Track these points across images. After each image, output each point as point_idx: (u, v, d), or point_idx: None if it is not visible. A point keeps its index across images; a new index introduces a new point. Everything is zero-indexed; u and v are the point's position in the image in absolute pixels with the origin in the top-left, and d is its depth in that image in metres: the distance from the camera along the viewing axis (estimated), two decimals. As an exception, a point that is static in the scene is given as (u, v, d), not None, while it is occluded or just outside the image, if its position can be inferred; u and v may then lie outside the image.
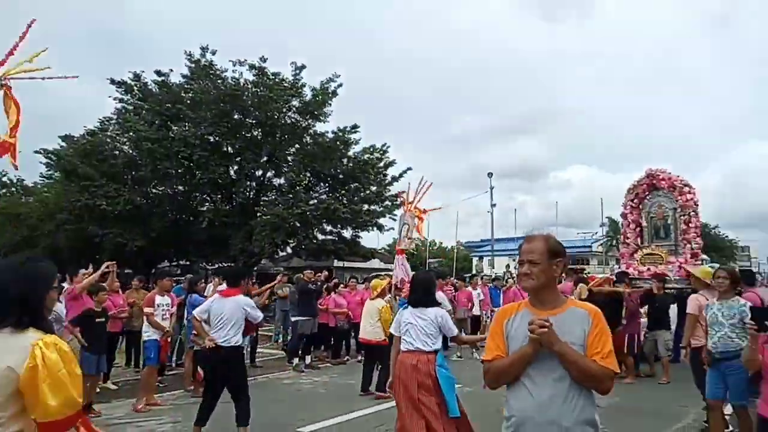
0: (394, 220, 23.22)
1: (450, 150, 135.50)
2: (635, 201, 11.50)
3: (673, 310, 9.37)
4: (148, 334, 7.45)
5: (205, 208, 23.12)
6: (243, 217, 21.15)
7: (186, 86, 21.45)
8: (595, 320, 2.24)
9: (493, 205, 31.87)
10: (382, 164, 22.63)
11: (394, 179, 22.64)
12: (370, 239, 26.23)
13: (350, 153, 22.25)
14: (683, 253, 10.55)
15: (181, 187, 22.54)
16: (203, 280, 10.12)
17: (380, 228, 23.05)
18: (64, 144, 22.93)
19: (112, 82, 21.26)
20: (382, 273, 19.68)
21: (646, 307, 9.40)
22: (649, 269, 10.55)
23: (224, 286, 6.35)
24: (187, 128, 20.62)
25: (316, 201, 21.45)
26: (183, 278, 11.05)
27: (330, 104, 21.91)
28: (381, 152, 22.59)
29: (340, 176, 22.43)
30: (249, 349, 10.72)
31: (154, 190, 22.89)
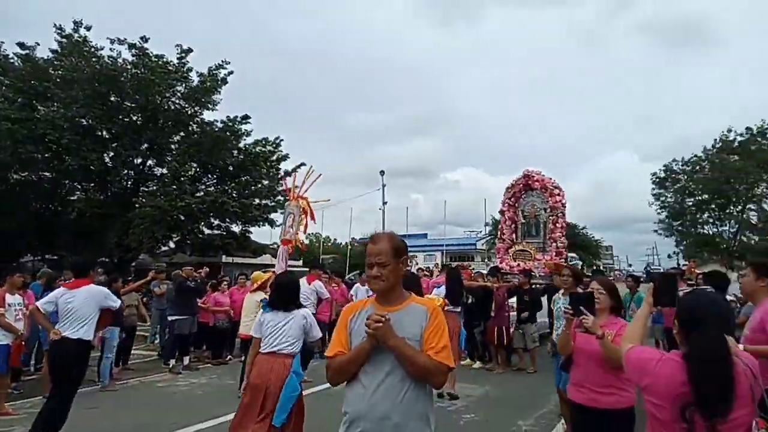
0: (286, 215, 22.75)
1: (345, 147, 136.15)
2: (512, 199, 12.13)
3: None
4: None
5: (75, 198, 21.13)
6: (119, 208, 19.55)
7: (55, 62, 19.39)
8: (432, 316, 2.27)
9: (384, 203, 32.36)
10: (274, 158, 22.04)
11: (287, 174, 22.08)
12: (261, 234, 25.54)
13: (241, 145, 21.40)
14: (550, 251, 11.29)
15: (47, 174, 20.38)
16: (63, 276, 9.15)
17: (271, 223, 22.41)
18: None
19: (-37, 50, 18.70)
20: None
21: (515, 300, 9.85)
22: (519, 265, 11.15)
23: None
24: (55, 109, 18.65)
25: (202, 193, 20.39)
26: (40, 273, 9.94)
27: (219, 92, 20.92)
28: (274, 145, 21.99)
29: (230, 168, 21.49)
30: (118, 352, 9.93)
31: (15, 176, 20.47)
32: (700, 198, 28.20)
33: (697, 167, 28.09)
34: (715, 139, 28.24)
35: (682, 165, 28.89)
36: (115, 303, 5.46)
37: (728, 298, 4.94)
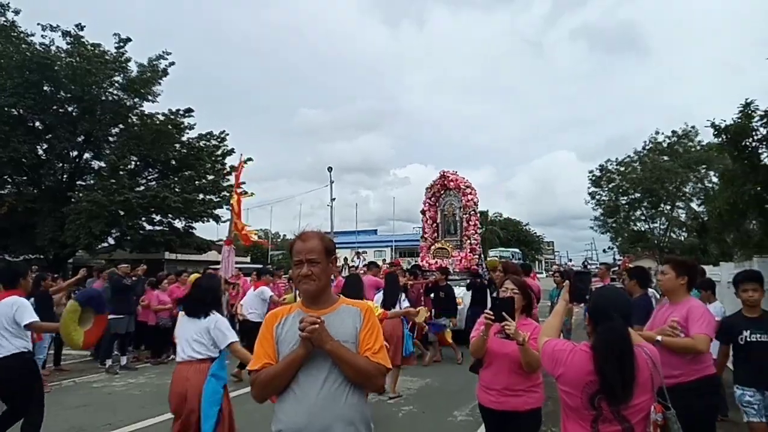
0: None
1: (295, 143, 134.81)
2: (432, 199, 12.42)
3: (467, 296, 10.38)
4: None
5: (5, 192, 20.03)
6: (53, 203, 18.71)
7: (-19, 48, 18.28)
8: (366, 316, 2.17)
9: (333, 199, 32.32)
10: (219, 152, 21.62)
11: (233, 169, 21.73)
12: (207, 230, 24.93)
13: (184, 138, 20.88)
14: (465, 248, 11.65)
15: (-28, 166, 19.25)
16: None
17: (217, 219, 22.01)
18: None
19: None
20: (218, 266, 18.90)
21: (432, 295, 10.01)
22: (437, 262, 11.50)
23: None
24: (-19, 97, 17.62)
25: (143, 188, 19.78)
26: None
27: (160, 83, 20.33)
28: (219, 140, 21.56)
29: (172, 162, 20.95)
30: (53, 351, 9.58)
31: (-64, 168, 19.26)
32: (633, 197, 29.67)
33: (630, 167, 29.54)
34: (645, 141, 29.83)
35: (616, 165, 30.31)
36: (24, 320, 4.65)
37: (650, 292, 5.16)
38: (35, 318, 4.69)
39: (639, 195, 29.06)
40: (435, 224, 12.39)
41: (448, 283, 10.12)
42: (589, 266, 57.82)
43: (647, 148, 29.52)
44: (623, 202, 30.12)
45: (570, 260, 74.61)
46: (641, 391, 2.14)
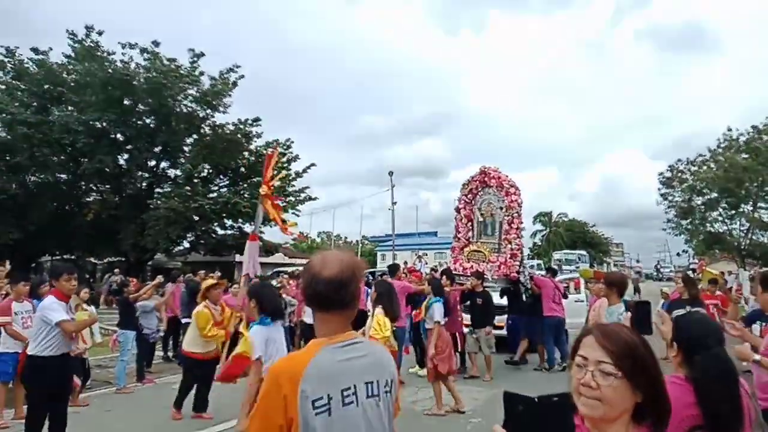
0: (298, 215, 23.07)
1: (356, 148, 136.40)
2: (469, 196, 11.17)
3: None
4: (6, 346, 6.69)
5: (91, 199, 21.54)
6: (134, 209, 19.92)
7: (69, 67, 19.77)
8: None
9: (394, 203, 32.49)
10: (285, 159, 22.30)
11: (298, 174, 22.42)
12: (274, 234, 25.80)
13: (252, 146, 21.70)
14: (504, 253, 10.35)
15: (63, 176, 20.82)
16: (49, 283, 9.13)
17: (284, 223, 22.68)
18: None
19: (-20, 56, 19.11)
20: (290, 268, 19.50)
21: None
22: (472, 266, 10.26)
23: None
24: (69, 113, 19.03)
25: (215, 194, 20.73)
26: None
27: (230, 95, 21.25)
28: (285, 147, 22.25)
29: (242, 170, 21.83)
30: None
31: (32, 178, 20.95)
32: (709, 197, 28.10)
33: (704, 167, 27.98)
34: (719, 139, 28.12)
35: (688, 164, 28.80)
36: (52, 318, 4.57)
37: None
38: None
39: (716, 195, 27.49)
40: (470, 224, 11.12)
41: (486, 289, 9.39)
42: (661, 269, 55.24)
43: (722, 146, 27.88)
44: (699, 202, 28.61)
45: (638, 261, 71.46)
46: (747, 429, 1.99)
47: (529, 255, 51.00)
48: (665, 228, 31.16)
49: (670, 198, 29.50)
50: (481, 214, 11.03)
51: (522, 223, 10.82)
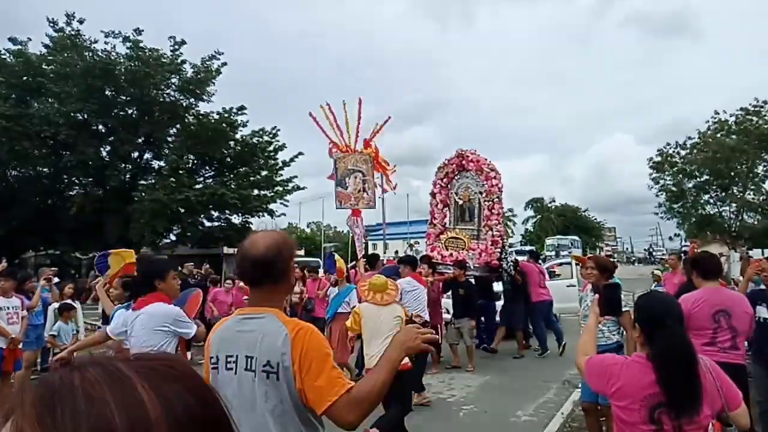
0: (286, 205, 22.75)
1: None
2: (444, 180, 10.58)
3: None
4: None
5: (74, 193, 21.11)
6: (119, 202, 19.53)
7: (48, 57, 19.25)
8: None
9: (384, 191, 32.20)
10: (271, 148, 21.95)
11: (285, 164, 22.09)
12: (263, 225, 25.39)
13: (237, 136, 21.32)
14: (485, 239, 9.88)
15: (45, 170, 20.39)
16: (35, 278, 8.95)
17: (271, 213, 22.44)
18: None
19: (-45, 48, 18.53)
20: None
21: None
22: (451, 254, 9.76)
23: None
24: (49, 104, 18.57)
25: (201, 186, 20.37)
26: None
27: (213, 83, 20.80)
28: (271, 136, 21.88)
29: (228, 160, 21.48)
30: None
31: (13, 173, 20.50)
32: (700, 180, 28.05)
33: (694, 150, 27.87)
34: (708, 121, 27.99)
35: (676, 148, 28.67)
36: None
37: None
38: None
39: (707, 177, 27.43)
40: (446, 209, 10.55)
41: (468, 279, 9.05)
42: (654, 253, 55.47)
43: (711, 128, 27.76)
44: (690, 185, 28.53)
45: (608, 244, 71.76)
46: (706, 404, 2.01)
47: (521, 241, 51.19)
48: (657, 212, 31.17)
49: (660, 182, 29.45)
50: (459, 199, 10.45)
51: (503, 208, 10.35)
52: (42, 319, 7.95)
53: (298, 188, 22.55)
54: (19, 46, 19.08)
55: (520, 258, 11.66)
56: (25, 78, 18.87)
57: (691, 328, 3.87)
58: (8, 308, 6.67)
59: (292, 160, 22.02)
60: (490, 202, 9.97)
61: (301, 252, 29.60)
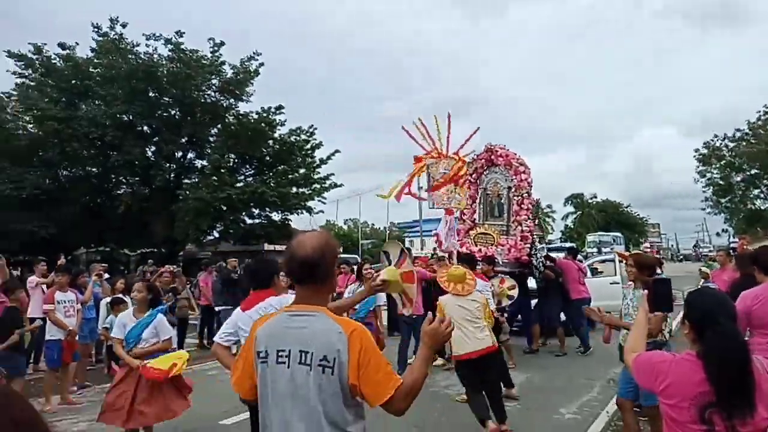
0: (324, 202, 23.02)
1: (380, 133, 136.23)
2: (473, 176, 10.51)
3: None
4: (51, 333, 6.93)
5: (121, 192, 21.87)
6: (163, 201, 20.15)
7: (95, 61, 19.99)
8: None
9: (420, 188, 32.18)
10: (309, 146, 22.22)
11: (322, 162, 22.33)
12: (302, 222, 25.71)
13: (276, 135, 21.67)
14: (514, 235, 9.84)
15: (94, 170, 21.17)
16: (86, 273, 9.30)
17: (309, 210, 22.75)
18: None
19: (10, 54, 19.38)
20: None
21: None
22: (480, 250, 9.60)
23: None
24: (96, 106, 19.28)
25: (242, 184, 20.81)
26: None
27: (252, 83, 21.20)
28: (308, 134, 22.15)
29: (267, 158, 21.86)
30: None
31: (64, 173, 21.36)
32: (749, 173, 26.96)
33: (743, 142, 26.77)
34: (759, 111, 26.81)
35: (723, 140, 27.59)
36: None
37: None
38: None
39: (757, 171, 26.32)
40: (474, 205, 10.50)
41: (498, 274, 8.86)
42: (700, 249, 53.52)
43: (762, 119, 26.58)
44: (738, 179, 27.45)
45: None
46: (762, 406, 1.93)
47: (560, 238, 50.27)
48: (703, 207, 30.14)
49: (707, 176, 28.45)
50: (487, 195, 10.47)
51: (532, 203, 10.25)
52: (94, 312, 8.30)
53: (335, 185, 22.77)
54: (68, 51, 19.83)
55: (558, 255, 11.47)
56: (73, 81, 19.65)
57: (753, 326, 3.76)
58: (65, 302, 7.05)
59: (329, 158, 22.23)
60: (520, 197, 9.91)
61: (340, 249, 29.94)
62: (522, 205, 9.86)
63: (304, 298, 1.98)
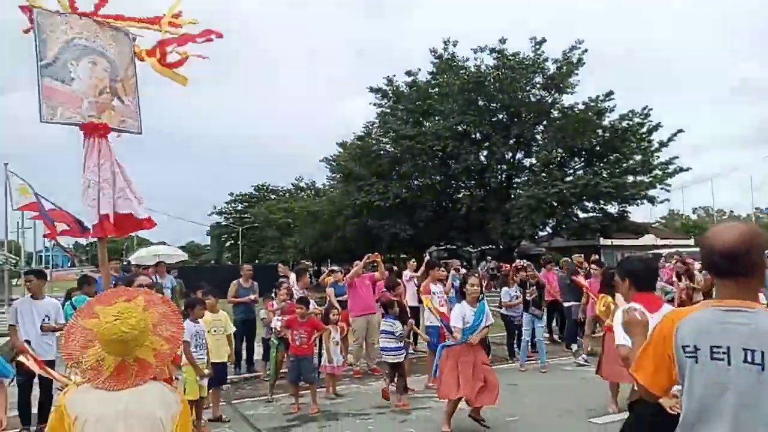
0: (668, 190, 20.83)
1: (731, 105, 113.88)
2: None
3: None
4: (430, 320, 8.05)
5: (461, 195, 24.20)
6: (498, 200, 21.51)
7: (432, 82, 22.71)
8: None
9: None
10: (644, 130, 20.39)
11: (662, 144, 20.20)
12: (641, 213, 23.65)
13: (605, 122, 20.63)
14: None
15: (438, 178, 24.02)
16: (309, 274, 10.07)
17: (651, 200, 20.84)
18: (340, 150, 26.60)
19: (371, 90, 23.75)
20: (664, 250, 17.70)
21: None
22: None
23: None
24: (436, 122, 21.84)
25: (572, 177, 20.53)
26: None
27: (576, 74, 20.70)
28: (642, 116, 20.37)
29: (597, 149, 21.03)
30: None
31: (415, 182, 24.86)
32: None
33: None
34: None
35: None
36: None
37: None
38: None
39: None
40: None
41: None
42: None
43: None
44: None
45: None
46: None
47: None
48: None
49: None
50: None
51: None
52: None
53: (681, 170, 20.24)
54: (412, 77, 23.08)
55: None
56: (417, 103, 22.74)
57: None
58: (437, 293, 8.12)
59: (669, 139, 19.98)
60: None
61: (691, 242, 26.46)
62: None
63: (732, 292, 1.82)
